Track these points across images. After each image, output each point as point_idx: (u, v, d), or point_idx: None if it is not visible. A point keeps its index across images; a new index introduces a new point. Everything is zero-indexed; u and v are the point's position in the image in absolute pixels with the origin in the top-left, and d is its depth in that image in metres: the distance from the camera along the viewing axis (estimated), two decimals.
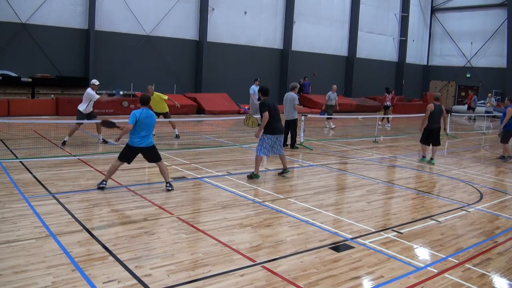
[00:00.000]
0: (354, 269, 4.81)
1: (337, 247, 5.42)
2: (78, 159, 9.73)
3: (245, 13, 25.36)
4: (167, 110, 13.26)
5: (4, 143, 11.13)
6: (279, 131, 8.63)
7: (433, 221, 6.64)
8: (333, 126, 18.08)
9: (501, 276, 4.87)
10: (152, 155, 7.53)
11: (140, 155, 7.54)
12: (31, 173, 8.25)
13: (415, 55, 35.49)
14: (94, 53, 20.36)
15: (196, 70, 24.00)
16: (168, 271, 4.52)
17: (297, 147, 12.60)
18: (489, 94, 27.21)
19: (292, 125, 12.19)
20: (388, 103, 21.15)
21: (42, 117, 16.66)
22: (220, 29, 24.40)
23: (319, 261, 4.97)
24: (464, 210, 7.33)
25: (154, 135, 13.14)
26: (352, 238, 5.73)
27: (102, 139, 11.96)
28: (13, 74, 18.37)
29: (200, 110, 21.42)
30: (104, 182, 7.41)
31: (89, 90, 11.53)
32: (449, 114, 13.02)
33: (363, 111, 27.09)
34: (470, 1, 33.29)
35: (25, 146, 11.21)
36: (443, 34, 35.39)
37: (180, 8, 22.91)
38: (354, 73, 30.58)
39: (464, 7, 33.73)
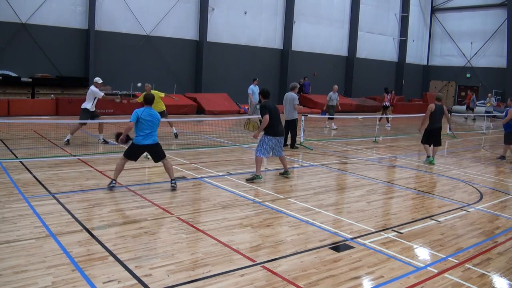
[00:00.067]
0: (354, 269, 4.81)
1: (337, 247, 5.42)
2: (78, 159, 9.73)
3: (245, 13, 25.36)
4: (164, 109, 13.26)
5: (4, 143, 11.13)
6: (281, 133, 8.62)
7: (433, 221, 6.64)
8: (335, 127, 18.06)
9: (501, 276, 4.87)
10: (156, 153, 7.54)
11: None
12: (31, 173, 8.25)
13: (415, 55, 35.50)
14: (94, 53, 20.36)
15: (196, 70, 24.01)
16: (168, 271, 4.52)
17: (297, 147, 12.60)
18: (489, 94, 27.20)
19: (292, 125, 12.19)
20: (387, 103, 21.16)
21: (42, 117, 16.66)
22: (220, 29, 24.40)
23: (319, 261, 4.97)
24: (464, 210, 7.33)
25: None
26: (352, 238, 5.73)
27: (103, 139, 11.96)
28: (13, 74, 18.38)
29: (200, 110, 21.42)
30: (114, 182, 7.39)
31: (92, 87, 11.55)
32: (449, 114, 12.99)
33: (363, 111, 27.09)
34: (470, 1, 33.30)
35: (25, 146, 11.21)
36: (443, 34, 35.40)
37: (180, 8, 22.92)
38: (354, 73, 30.59)
39: (464, 7, 33.75)
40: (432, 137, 11.34)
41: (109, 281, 4.22)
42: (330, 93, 18.18)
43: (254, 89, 17.53)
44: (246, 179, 8.46)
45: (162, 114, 13.21)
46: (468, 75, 33.90)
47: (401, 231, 6.13)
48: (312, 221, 6.33)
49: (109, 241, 5.19)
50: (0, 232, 5.28)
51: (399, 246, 5.55)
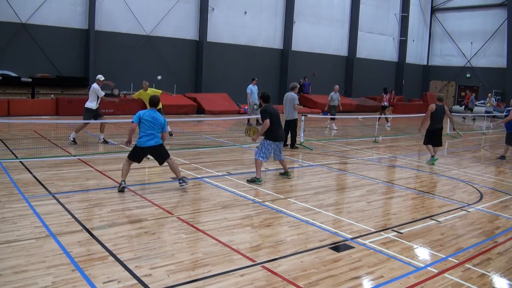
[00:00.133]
0: (354, 269, 4.81)
1: (337, 247, 5.42)
2: (78, 159, 9.73)
3: (245, 13, 25.37)
4: (161, 106, 13.25)
5: (4, 143, 11.13)
6: (281, 138, 8.63)
7: (433, 221, 6.64)
8: (335, 128, 18.06)
9: (501, 276, 4.87)
10: (160, 154, 7.53)
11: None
12: (31, 173, 8.25)
13: (415, 55, 35.51)
14: (94, 53, 20.36)
15: (196, 70, 24.01)
16: (168, 271, 4.52)
17: (297, 147, 12.60)
18: (489, 94, 27.21)
19: (292, 125, 12.19)
20: (385, 103, 21.17)
21: (42, 117, 16.66)
22: (220, 29, 24.40)
23: (319, 261, 4.97)
24: (464, 210, 7.33)
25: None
26: (352, 238, 5.73)
27: (103, 139, 11.96)
28: (13, 74, 18.38)
29: (200, 110, 21.42)
30: (123, 182, 7.33)
31: (94, 85, 11.57)
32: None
33: (363, 111, 27.09)
34: (470, 1, 33.31)
35: (25, 146, 11.21)
36: (443, 34, 35.41)
37: (180, 8, 22.92)
38: (354, 73, 30.59)
39: (464, 7, 33.75)
40: (434, 137, 11.33)
41: (109, 281, 4.22)
42: (332, 93, 18.17)
43: (252, 89, 17.54)
44: (247, 180, 8.46)
45: (159, 112, 13.18)
46: (468, 75, 33.90)
47: (401, 231, 6.13)
48: (312, 221, 6.33)
49: (109, 241, 5.19)
50: (0, 232, 5.28)
51: (399, 246, 5.55)
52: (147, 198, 7.01)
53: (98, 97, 11.53)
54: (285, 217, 6.49)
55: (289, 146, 12.45)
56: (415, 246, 5.59)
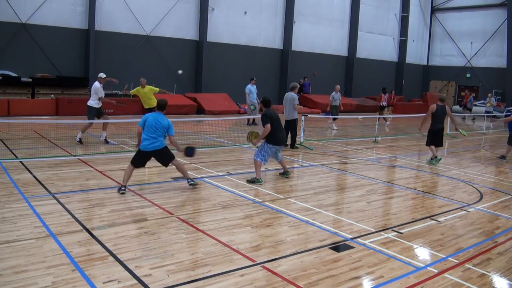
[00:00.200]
0: (354, 269, 4.81)
1: (337, 247, 5.42)
2: (78, 159, 9.73)
3: (245, 13, 25.36)
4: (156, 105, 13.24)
5: (4, 143, 11.13)
6: (281, 141, 8.68)
7: (433, 221, 6.64)
8: (335, 128, 18.07)
9: (501, 276, 4.87)
10: (163, 157, 7.50)
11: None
12: (31, 173, 8.25)
13: (415, 55, 35.50)
14: (94, 53, 20.36)
15: (196, 70, 24.00)
16: (168, 271, 4.52)
17: (297, 147, 12.60)
18: (489, 94, 27.21)
19: (292, 125, 12.19)
20: (384, 103, 21.18)
21: (42, 117, 16.66)
22: (220, 29, 24.40)
23: (319, 261, 4.97)
24: (464, 210, 7.33)
25: None
26: (352, 238, 5.73)
27: (105, 138, 11.97)
28: (13, 74, 18.38)
29: (200, 110, 21.42)
30: (123, 188, 7.28)
31: (96, 83, 11.59)
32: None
33: (363, 111, 27.09)
34: (470, 1, 33.31)
35: (25, 146, 11.21)
36: (443, 34, 35.40)
37: (180, 8, 22.92)
38: (354, 73, 30.59)
39: (464, 7, 33.75)
40: (435, 137, 11.29)
41: (109, 281, 4.22)
42: (333, 93, 18.16)
43: (251, 89, 17.55)
44: (247, 180, 8.47)
45: (153, 110, 13.18)
46: (468, 75, 33.90)
47: (401, 231, 6.13)
48: (312, 221, 6.33)
49: (109, 241, 5.19)
50: (0, 232, 5.28)
51: (399, 246, 5.55)
52: (147, 198, 7.02)
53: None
54: (285, 217, 6.49)
55: (289, 146, 12.45)
56: (415, 246, 5.59)
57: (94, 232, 5.45)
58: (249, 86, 17.60)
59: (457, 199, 8.05)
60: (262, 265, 4.78)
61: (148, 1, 21.98)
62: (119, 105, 12.74)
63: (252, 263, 4.83)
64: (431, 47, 36.47)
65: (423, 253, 5.41)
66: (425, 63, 36.64)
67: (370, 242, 5.62)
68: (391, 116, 20.80)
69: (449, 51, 34.99)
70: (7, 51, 18.52)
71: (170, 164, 7.63)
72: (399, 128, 20.10)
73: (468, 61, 33.71)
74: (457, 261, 5.16)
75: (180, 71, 17.87)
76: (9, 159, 9.37)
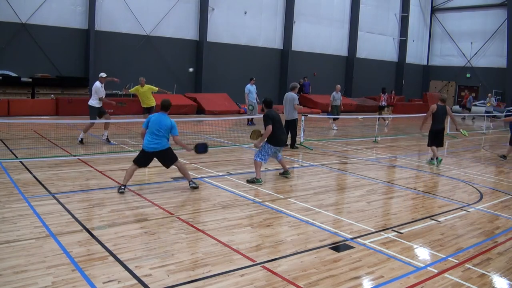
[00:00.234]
0: (354, 269, 4.81)
1: (337, 247, 5.42)
2: (78, 159, 9.73)
3: (245, 13, 25.37)
4: (154, 105, 13.26)
5: (4, 143, 11.13)
6: (282, 143, 8.72)
7: (433, 221, 6.64)
8: (336, 128, 18.07)
9: (501, 276, 4.87)
10: (166, 158, 7.48)
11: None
12: (31, 173, 8.25)
13: (415, 55, 35.50)
14: (94, 53, 20.36)
15: (196, 70, 23.99)
16: (168, 271, 4.52)
17: (297, 147, 12.60)
18: (489, 94, 27.21)
19: (292, 125, 12.19)
20: (383, 103, 21.17)
21: (42, 117, 16.67)
22: (220, 29, 24.40)
23: (319, 261, 4.97)
24: (464, 210, 7.33)
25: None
26: (352, 238, 5.73)
27: (107, 137, 11.99)
28: (13, 74, 18.38)
29: (200, 110, 21.42)
30: (123, 187, 7.28)
31: (97, 83, 11.61)
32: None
33: (363, 111, 27.10)
34: (470, 1, 33.31)
35: (25, 146, 11.21)
36: (443, 34, 35.40)
37: (180, 8, 22.92)
38: (354, 73, 30.59)
39: (464, 7, 33.75)
40: (436, 137, 11.26)
41: (109, 281, 4.22)
42: (333, 93, 18.15)
43: (250, 89, 17.55)
44: (246, 180, 8.47)
45: (151, 109, 13.20)
46: (468, 75, 33.90)
47: (401, 231, 6.13)
48: (312, 221, 6.33)
49: (109, 241, 5.19)
50: (0, 232, 5.28)
51: (399, 246, 5.55)
52: (147, 198, 7.01)
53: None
54: (285, 217, 6.49)
55: (289, 146, 12.45)
56: (415, 246, 5.59)
57: (94, 232, 5.45)
58: (248, 86, 17.59)
59: (457, 199, 8.05)
60: (262, 265, 4.78)
61: (148, 1, 21.98)
62: (119, 105, 12.74)
63: (252, 263, 4.83)
64: (431, 47, 36.47)
65: (423, 253, 5.41)
66: (425, 63, 36.64)
67: (370, 242, 5.62)
68: (391, 116, 20.80)
69: (449, 51, 34.99)
70: (7, 51, 18.52)
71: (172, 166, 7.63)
72: (399, 128, 20.10)
73: (468, 61, 33.72)
74: (457, 261, 5.16)
75: (191, 69, 17.87)
76: (9, 159, 9.38)
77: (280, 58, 27.22)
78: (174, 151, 7.63)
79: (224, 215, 6.41)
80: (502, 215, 7.18)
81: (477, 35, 33.01)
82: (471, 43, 33.33)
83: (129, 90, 13.63)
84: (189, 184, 7.64)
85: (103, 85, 11.68)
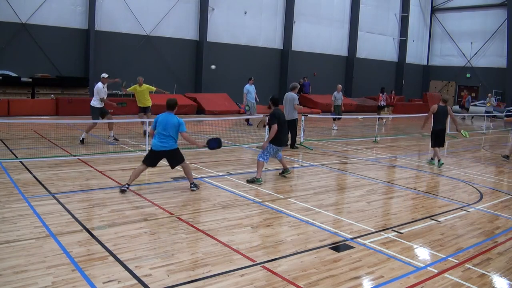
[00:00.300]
0: (354, 269, 4.81)
1: (337, 247, 5.42)
2: (78, 159, 9.73)
3: (245, 13, 25.37)
4: (150, 105, 13.26)
5: (4, 143, 11.13)
6: (284, 143, 8.82)
7: (433, 221, 6.64)
8: (336, 128, 18.07)
9: (501, 276, 4.87)
10: (173, 159, 7.49)
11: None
12: (31, 173, 8.25)
13: (415, 55, 35.50)
14: (94, 53, 20.36)
15: (196, 70, 24.01)
16: (168, 271, 4.52)
17: (297, 147, 12.60)
18: (489, 94, 27.22)
19: (292, 125, 12.17)
20: (382, 103, 21.16)
21: (42, 117, 16.66)
22: (220, 29, 24.40)
23: (319, 261, 4.97)
24: (464, 210, 7.33)
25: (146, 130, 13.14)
26: (352, 238, 5.73)
27: (114, 137, 12.01)
28: (13, 74, 18.38)
29: (200, 110, 21.42)
30: (126, 185, 7.28)
31: (98, 84, 11.62)
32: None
33: (363, 111, 27.09)
34: (470, 1, 33.31)
35: (25, 146, 11.21)
36: (443, 34, 35.40)
37: (180, 8, 22.92)
38: (354, 73, 30.59)
39: (464, 7, 33.75)
40: (438, 138, 11.23)
41: (109, 281, 4.22)
42: (335, 92, 18.14)
43: (249, 89, 17.55)
44: (246, 180, 8.47)
45: (147, 110, 13.20)
46: (468, 75, 33.90)
47: (401, 231, 6.13)
48: (312, 221, 6.33)
49: (109, 241, 5.19)
50: (0, 232, 5.28)
51: (399, 246, 5.55)
52: (147, 198, 7.01)
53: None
54: (285, 217, 6.49)
55: (289, 146, 12.45)
56: (415, 246, 5.59)
57: (94, 232, 5.45)
58: (247, 86, 17.59)
59: (457, 199, 8.05)
60: (262, 265, 4.78)
61: (148, 1, 21.98)
62: (120, 106, 12.74)
63: (252, 263, 4.83)
64: (431, 47, 36.47)
65: (423, 253, 5.41)
66: (425, 63, 36.64)
67: (370, 242, 5.62)
68: (391, 116, 20.79)
69: (449, 51, 34.99)
70: (7, 51, 18.52)
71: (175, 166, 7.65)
72: (399, 128, 20.10)
73: (468, 61, 33.71)
74: (457, 261, 5.16)
75: (213, 66, 17.82)
76: (9, 159, 9.37)
77: (280, 58, 27.22)
78: (184, 151, 7.63)
79: (224, 215, 6.41)
80: (502, 215, 7.18)
81: (477, 35, 33.00)
82: (471, 43, 33.33)
83: (127, 89, 13.62)
84: (190, 186, 7.64)
85: (105, 85, 11.70)
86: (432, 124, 11.35)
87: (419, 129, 11.99)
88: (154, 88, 13.33)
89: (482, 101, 29.24)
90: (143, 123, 13.30)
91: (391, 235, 5.95)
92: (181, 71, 23.62)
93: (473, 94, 32.78)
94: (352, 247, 5.42)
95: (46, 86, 18.79)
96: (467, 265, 5.06)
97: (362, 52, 31.16)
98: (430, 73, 36.45)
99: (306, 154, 11.92)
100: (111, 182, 7.91)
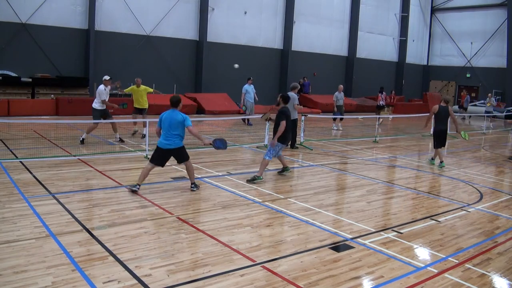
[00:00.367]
0: (354, 269, 4.81)
1: (337, 247, 5.42)
2: (78, 159, 9.73)
3: (245, 13, 25.36)
4: (146, 107, 13.26)
5: (4, 143, 11.13)
6: (288, 140, 8.92)
7: (433, 221, 6.64)
8: (335, 128, 18.07)
9: (501, 276, 4.87)
10: (179, 156, 7.51)
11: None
12: (31, 173, 8.25)
13: (415, 55, 35.50)
14: (94, 53, 20.36)
15: (196, 70, 24.00)
16: (168, 271, 4.52)
17: (297, 147, 12.60)
18: (489, 94, 27.20)
19: (292, 125, 12.17)
20: (381, 103, 21.15)
21: (42, 117, 16.66)
22: (220, 29, 24.40)
23: (319, 261, 4.97)
24: (464, 210, 7.33)
25: (137, 131, 13.12)
26: (352, 238, 5.73)
27: (119, 138, 12.02)
28: (13, 74, 18.37)
29: (200, 110, 21.42)
30: (138, 186, 7.29)
31: (100, 86, 11.65)
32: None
33: (363, 111, 27.09)
34: (470, 1, 33.30)
35: (25, 146, 11.21)
36: (443, 34, 35.40)
37: (180, 8, 22.92)
38: (354, 73, 30.58)
39: (464, 7, 33.75)
40: (439, 138, 11.20)
41: (109, 281, 4.22)
42: (336, 93, 18.14)
43: (248, 89, 17.56)
44: (246, 180, 8.46)
45: (143, 111, 13.20)
46: (468, 75, 33.90)
47: (401, 231, 6.13)
48: (312, 221, 6.33)
49: (109, 241, 5.19)
50: (0, 232, 5.28)
51: (399, 246, 5.55)
52: (147, 198, 7.01)
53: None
54: (285, 217, 6.49)
55: (289, 146, 12.44)
56: (415, 246, 5.59)
57: (94, 232, 5.45)
58: (246, 86, 17.59)
59: (457, 199, 8.05)
60: (262, 265, 4.78)
61: (148, 1, 21.98)
62: (121, 107, 12.76)
63: (252, 263, 4.83)
64: (431, 47, 36.47)
65: (423, 253, 5.41)
66: (425, 63, 36.64)
67: (370, 242, 5.62)
68: (391, 116, 20.78)
69: (449, 51, 34.99)
70: (7, 51, 18.52)
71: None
72: (399, 128, 20.10)
73: (468, 61, 33.71)
74: (457, 261, 5.16)
75: (236, 65, 17.79)
76: (9, 159, 9.37)
77: (280, 58, 27.21)
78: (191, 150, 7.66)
79: (224, 215, 6.41)
80: (502, 215, 7.18)
81: (477, 35, 33.00)
82: (471, 43, 33.33)
83: (124, 90, 13.62)
84: (190, 186, 7.64)
85: (107, 88, 11.70)
86: (434, 125, 11.34)
87: (419, 129, 11.96)
88: (151, 90, 13.33)
89: (482, 101, 29.23)
90: (135, 123, 13.31)
91: (391, 235, 5.95)
92: (181, 71, 23.61)
93: (473, 94, 32.78)
94: (352, 247, 5.42)
95: (46, 86, 18.79)
96: (467, 265, 5.06)
97: (362, 52, 31.16)
98: (430, 73, 36.45)
99: (306, 154, 11.92)
100: (111, 182, 7.91)
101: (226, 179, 8.61)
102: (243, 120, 18.35)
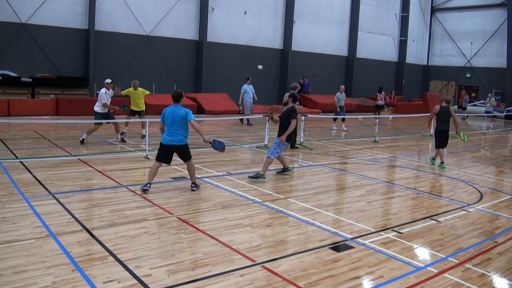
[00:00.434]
0: (354, 269, 4.81)
1: (337, 247, 5.42)
2: (78, 159, 9.73)
3: (245, 13, 25.36)
4: (144, 108, 13.25)
5: (4, 143, 11.13)
6: (290, 138, 8.91)
7: (433, 221, 6.64)
8: (335, 128, 18.08)
9: (501, 276, 4.87)
10: (182, 154, 7.52)
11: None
12: (31, 173, 8.25)
13: (415, 55, 35.50)
14: (94, 53, 20.36)
15: (196, 70, 24.00)
16: (168, 271, 4.52)
17: (297, 147, 12.60)
18: (489, 94, 27.21)
19: None
20: (380, 103, 21.13)
21: (42, 117, 16.66)
22: (220, 29, 24.40)
23: (319, 261, 4.97)
24: (464, 210, 7.33)
25: (125, 133, 13.07)
26: (352, 238, 5.73)
27: (121, 138, 12.02)
28: (13, 74, 18.37)
29: (200, 110, 21.42)
30: (148, 185, 7.31)
31: (102, 90, 11.63)
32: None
33: (363, 111, 27.09)
34: (470, 1, 33.30)
35: (25, 146, 11.21)
36: (443, 34, 35.40)
37: (180, 8, 22.92)
38: (354, 73, 30.58)
39: (464, 7, 33.75)
40: (440, 138, 11.18)
41: (109, 281, 4.22)
42: (337, 93, 18.14)
43: (247, 89, 17.56)
44: (248, 176, 8.50)
45: (141, 113, 13.20)
46: (468, 75, 33.90)
47: (401, 231, 6.13)
48: (312, 221, 6.33)
49: (109, 241, 5.19)
50: (0, 232, 5.28)
51: (399, 246, 5.55)
52: (147, 198, 7.01)
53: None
54: (285, 217, 6.49)
55: (289, 146, 12.43)
56: (415, 246, 5.59)
57: (94, 232, 5.45)
58: (245, 86, 17.59)
59: (457, 199, 8.05)
60: (262, 265, 4.78)
61: (148, 1, 21.98)
62: (121, 109, 12.75)
63: (252, 263, 4.83)
64: (431, 47, 36.47)
65: (423, 253, 5.41)
66: (425, 63, 36.64)
67: (370, 242, 5.62)
68: (391, 116, 20.77)
69: (449, 51, 34.98)
70: (7, 51, 18.52)
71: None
72: (399, 128, 20.09)
73: (468, 61, 33.72)
74: (457, 261, 5.16)
75: (260, 66, 17.75)
76: (9, 159, 9.37)
77: (280, 58, 27.21)
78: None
79: (224, 215, 6.41)
80: (502, 215, 7.19)
81: (477, 35, 33.00)
82: (471, 43, 33.33)
83: (122, 92, 13.60)
84: (191, 185, 7.65)
85: (109, 91, 11.70)
86: (436, 125, 11.34)
87: (419, 129, 11.96)
88: (148, 92, 13.31)
89: (482, 101, 29.24)
90: (126, 124, 13.28)
91: (391, 235, 5.95)
92: (181, 71, 23.61)
93: (473, 94, 32.77)
94: (352, 247, 5.42)
95: (46, 86, 18.79)
96: (467, 265, 5.06)
97: (362, 52, 31.16)
98: (430, 73, 36.45)
99: (306, 154, 11.92)
100: (111, 182, 7.91)
101: (226, 179, 8.61)
102: (241, 120, 18.35)
